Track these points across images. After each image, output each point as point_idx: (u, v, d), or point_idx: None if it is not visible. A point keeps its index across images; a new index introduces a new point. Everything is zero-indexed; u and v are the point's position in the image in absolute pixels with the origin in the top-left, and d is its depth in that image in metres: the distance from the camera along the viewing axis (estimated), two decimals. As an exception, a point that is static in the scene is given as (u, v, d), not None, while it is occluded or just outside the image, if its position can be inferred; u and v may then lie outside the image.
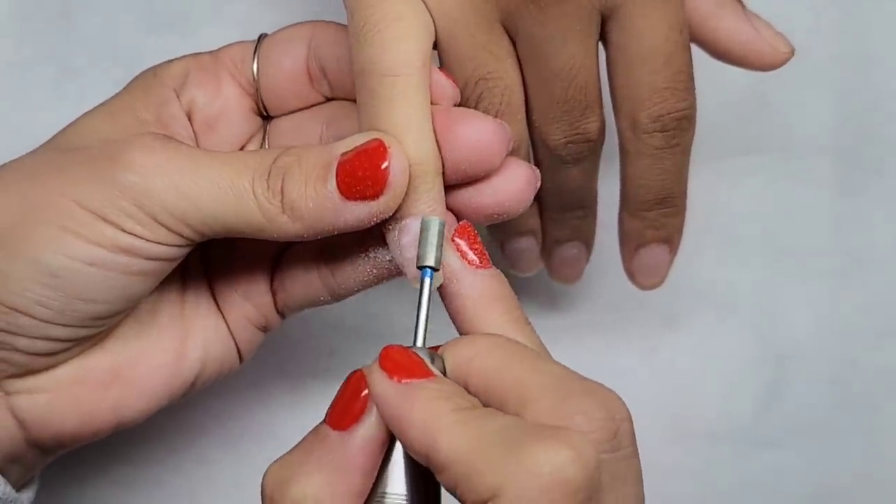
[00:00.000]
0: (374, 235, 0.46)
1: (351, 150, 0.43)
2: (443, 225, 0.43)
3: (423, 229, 0.43)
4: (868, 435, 0.62)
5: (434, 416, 0.38)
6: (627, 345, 0.62)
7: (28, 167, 0.45)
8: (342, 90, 0.49)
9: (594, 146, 0.50)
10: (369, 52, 0.44)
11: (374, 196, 0.43)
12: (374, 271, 0.47)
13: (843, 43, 0.64)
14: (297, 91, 0.49)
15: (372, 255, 0.46)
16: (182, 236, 0.44)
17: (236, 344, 0.49)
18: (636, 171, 0.50)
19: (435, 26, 0.47)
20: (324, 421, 0.41)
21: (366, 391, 0.40)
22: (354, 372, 0.41)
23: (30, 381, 0.45)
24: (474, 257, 0.44)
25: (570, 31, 0.47)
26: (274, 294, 0.49)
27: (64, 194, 0.43)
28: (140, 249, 0.43)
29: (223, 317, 0.48)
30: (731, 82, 0.62)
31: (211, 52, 0.50)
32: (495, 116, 0.48)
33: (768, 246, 0.63)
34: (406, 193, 0.43)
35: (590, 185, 0.53)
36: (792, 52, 0.52)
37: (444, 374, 0.41)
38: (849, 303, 0.63)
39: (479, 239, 0.45)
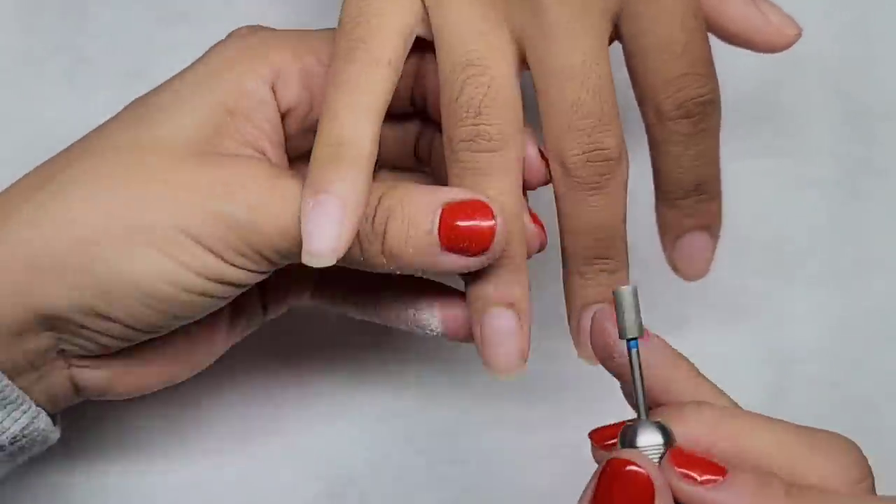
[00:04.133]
0: (420, 300, 0.49)
1: (455, 201, 0.44)
2: (636, 291, 0.41)
3: (618, 301, 0.41)
4: (871, 439, 0.62)
5: None
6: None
7: (119, 174, 0.45)
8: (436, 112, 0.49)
9: (614, 167, 0.48)
10: (357, 34, 0.45)
11: (476, 253, 0.44)
12: (414, 328, 0.49)
13: (852, 46, 0.64)
14: None
15: (414, 314, 0.48)
16: (276, 264, 0.45)
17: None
18: (666, 159, 0.49)
19: (435, 12, 0.47)
20: None
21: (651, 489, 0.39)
22: (637, 474, 0.39)
23: (95, 360, 0.47)
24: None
25: (577, 29, 0.47)
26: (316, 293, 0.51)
27: (169, 221, 0.44)
28: (239, 279, 0.45)
29: None
30: (738, 85, 0.62)
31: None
32: (478, 107, 0.46)
33: (774, 249, 0.63)
34: (326, 163, 0.43)
35: (615, 224, 0.49)
36: (799, 34, 0.51)
37: (672, 445, 0.40)
38: (854, 307, 0.62)
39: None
